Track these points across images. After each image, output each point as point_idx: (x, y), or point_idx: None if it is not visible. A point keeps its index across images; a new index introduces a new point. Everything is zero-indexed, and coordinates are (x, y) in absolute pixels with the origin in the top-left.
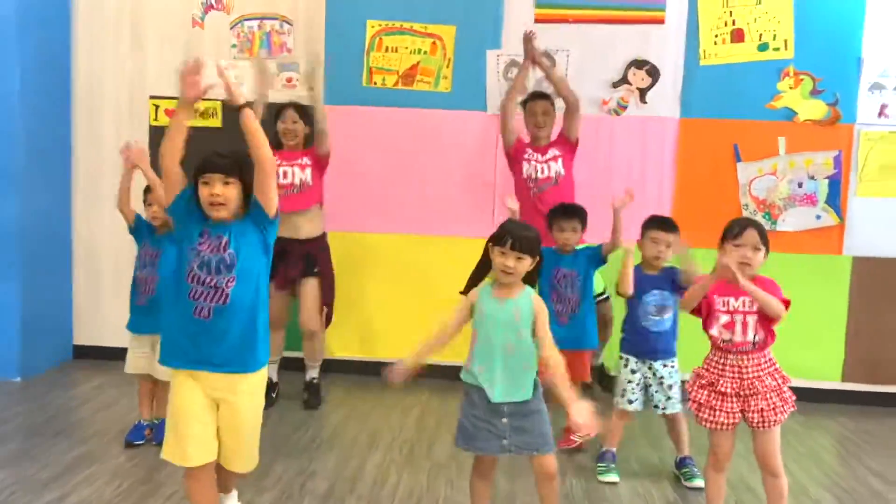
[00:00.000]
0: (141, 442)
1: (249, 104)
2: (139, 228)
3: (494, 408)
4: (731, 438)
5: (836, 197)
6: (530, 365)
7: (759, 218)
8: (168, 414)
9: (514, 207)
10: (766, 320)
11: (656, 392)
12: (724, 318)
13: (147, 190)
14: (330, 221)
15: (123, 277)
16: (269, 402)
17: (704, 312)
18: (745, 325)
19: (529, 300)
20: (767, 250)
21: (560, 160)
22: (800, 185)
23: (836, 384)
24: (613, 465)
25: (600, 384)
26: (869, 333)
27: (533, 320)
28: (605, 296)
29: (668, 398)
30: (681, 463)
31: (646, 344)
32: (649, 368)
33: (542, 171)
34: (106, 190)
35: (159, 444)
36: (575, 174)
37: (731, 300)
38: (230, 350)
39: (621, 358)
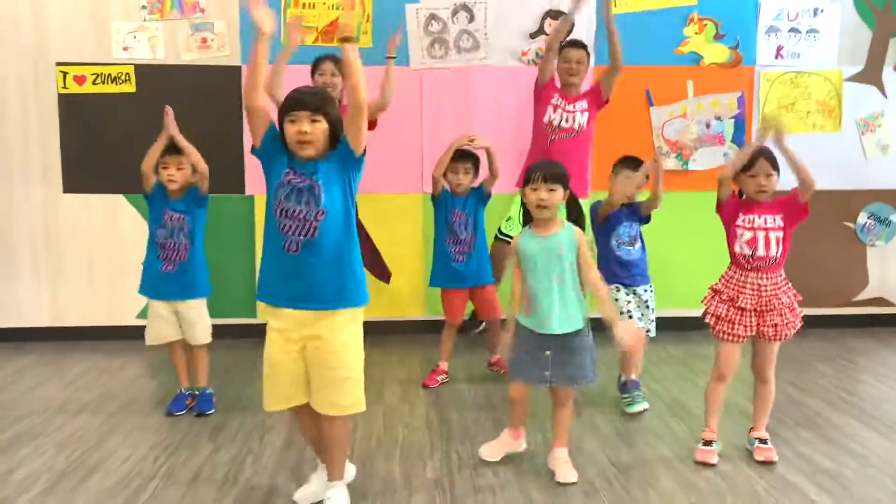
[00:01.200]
0: (182, 411)
1: (351, 38)
2: (157, 194)
3: (539, 343)
4: (739, 353)
5: (741, 135)
6: (579, 293)
7: (672, 159)
8: (264, 362)
9: (487, 145)
10: (787, 237)
11: (642, 316)
12: (748, 235)
13: (165, 152)
14: (255, 187)
15: (42, 257)
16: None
17: (728, 227)
18: (767, 240)
19: (570, 231)
20: (779, 175)
21: (586, 114)
22: (707, 126)
23: None
24: (639, 393)
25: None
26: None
27: (577, 249)
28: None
29: (652, 321)
30: (624, 386)
31: (623, 271)
32: (634, 293)
33: (567, 121)
34: (18, 164)
35: (200, 414)
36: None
37: (756, 217)
38: (317, 287)
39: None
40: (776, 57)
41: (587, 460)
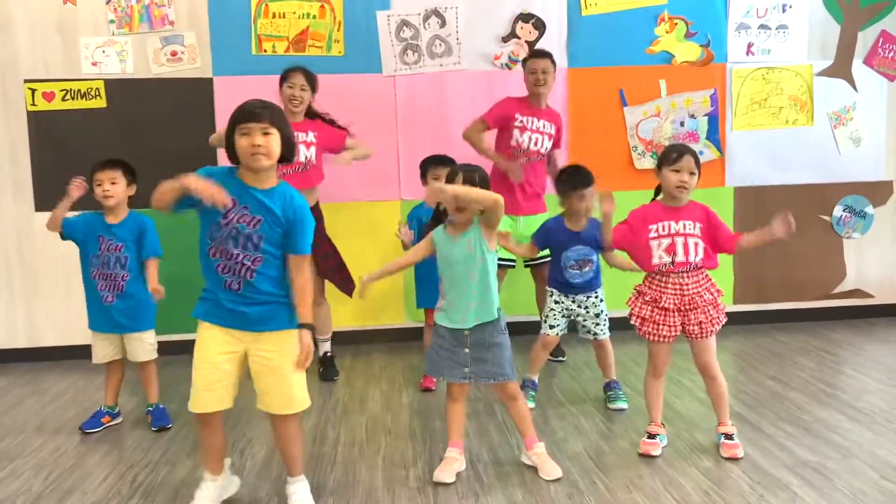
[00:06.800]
0: (97, 429)
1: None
2: (81, 227)
3: (458, 340)
4: (669, 349)
5: (715, 132)
6: (493, 286)
7: (647, 158)
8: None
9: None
10: (713, 246)
11: (584, 321)
12: (666, 242)
13: (95, 169)
14: None
15: (16, 277)
16: (336, 374)
17: (636, 250)
18: (685, 246)
19: (477, 227)
20: (699, 176)
21: (551, 140)
22: (682, 124)
23: (728, 307)
24: (533, 393)
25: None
26: (753, 258)
27: (484, 237)
28: (511, 264)
29: (597, 324)
30: (607, 387)
31: (569, 288)
32: (573, 301)
33: (535, 143)
34: None
35: (161, 428)
36: None
37: (672, 223)
38: (265, 318)
39: (548, 289)
40: (747, 53)
41: (571, 461)
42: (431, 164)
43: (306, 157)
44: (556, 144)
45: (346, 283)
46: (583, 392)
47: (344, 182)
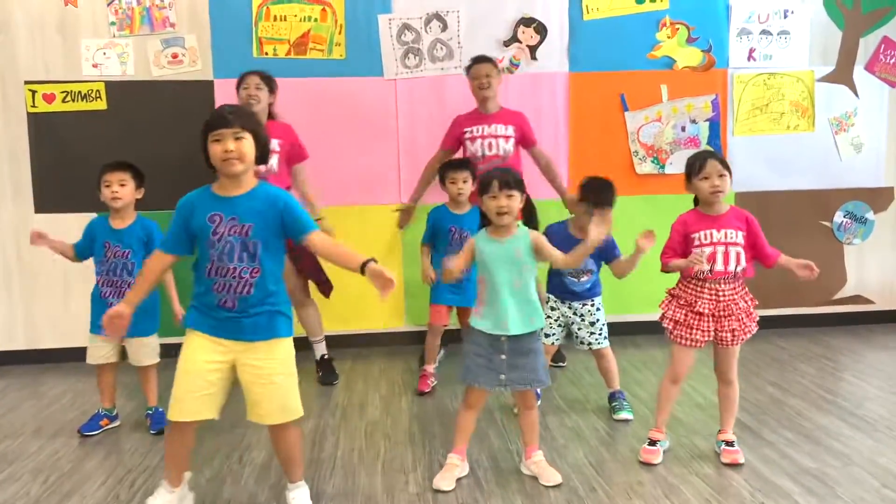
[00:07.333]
0: (96, 432)
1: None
2: (90, 238)
3: (494, 346)
4: (694, 356)
5: (716, 138)
6: (535, 296)
7: (648, 163)
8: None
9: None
10: (751, 254)
11: (579, 330)
12: (708, 250)
13: (104, 170)
14: None
15: (15, 279)
16: (336, 378)
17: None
18: (726, 255)
19: (527, 236)
20: (731, 176)
21: (511, 140)
22: (683, 129)
23: None
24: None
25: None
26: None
27: (535, 251)
28: None
29: (592, 333)
30: (611, 397)
31: (567, 294)
32: (569, 308)
33: (491, 147)
34: None
35: (159, 432)
36: None
37: (714, 232)
38: (259, 328)
39: (546, 296)
40: (748, 59)
41: (571, 468)
42: (450, 169)
43: (265, 167)
44: (527, 143)
45: (323, 285)
46: (583, 398)
47: (344, 186)
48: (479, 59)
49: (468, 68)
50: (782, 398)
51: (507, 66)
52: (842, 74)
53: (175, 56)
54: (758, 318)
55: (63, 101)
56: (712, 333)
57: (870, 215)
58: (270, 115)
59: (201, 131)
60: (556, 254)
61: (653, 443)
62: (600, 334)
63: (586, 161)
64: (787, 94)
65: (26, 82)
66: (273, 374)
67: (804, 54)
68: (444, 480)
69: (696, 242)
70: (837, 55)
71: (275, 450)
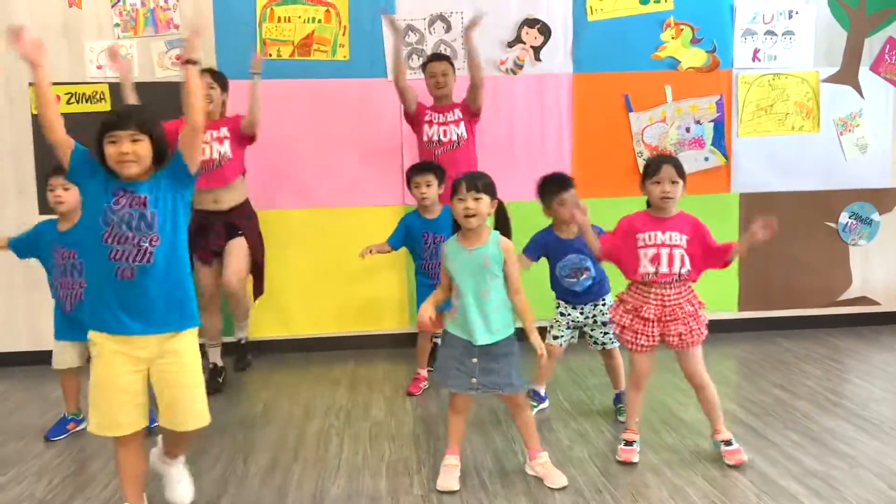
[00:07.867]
0: (62, 436)
1: (194, 61)
2: (31, 243)
3: (467, 350)
4: (650, 359)
5: (720, 139)
6: (507, 302)
7: None
8: (91, 385)
9: None
10: (699, 257)
11: (592, 331)
12: (651, 252)
13: (49, 174)
14: None
15: (19, 279)
16: (217, 387)
17: (623, 258)
18: (670, 257)
19: (496, 244)
20: (685, 183)
21: (462, 124)
22: (687, 130)
23: (733, 314)
24: (534, 404)
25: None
26: (759, 264)
27: (502, 263)
28: None
29: (605, 334)
30: (617, 399)
31: (572, 297)
32: (580, 312)
33: (445, 134)
34: None
35: (149, 431)
36: (480, 134)
37: (658, 233)
38: (160, 311)
39: (555, 301)
40: (753, 59)
41: (577, 469)
42: (414, 173)
43: (220, 153)
44: (466, 101)
45: (258, 285)
46: (588, 399)
47: (348, 187)
48: (436, 57)
49: (424, 65)
50: (787, 400)
51: (511, 68)
52: (847, 75)
53: (179, 57)
54: (707, 322)
55: (67, 102)
56: (658, 338)
57: (875, 216)
58: (223, 114)
59: (97, 130)
60: (514, 276)
61: (629, 443)
62: (611, 334)
63: (590, 162)
64: (791, 94)
65: (30, 84)
66: (190, 380)
67: (809, 55)
68: (449, 481)
69: (641, 243)
70: (842, 56)
71: (168, 450)
